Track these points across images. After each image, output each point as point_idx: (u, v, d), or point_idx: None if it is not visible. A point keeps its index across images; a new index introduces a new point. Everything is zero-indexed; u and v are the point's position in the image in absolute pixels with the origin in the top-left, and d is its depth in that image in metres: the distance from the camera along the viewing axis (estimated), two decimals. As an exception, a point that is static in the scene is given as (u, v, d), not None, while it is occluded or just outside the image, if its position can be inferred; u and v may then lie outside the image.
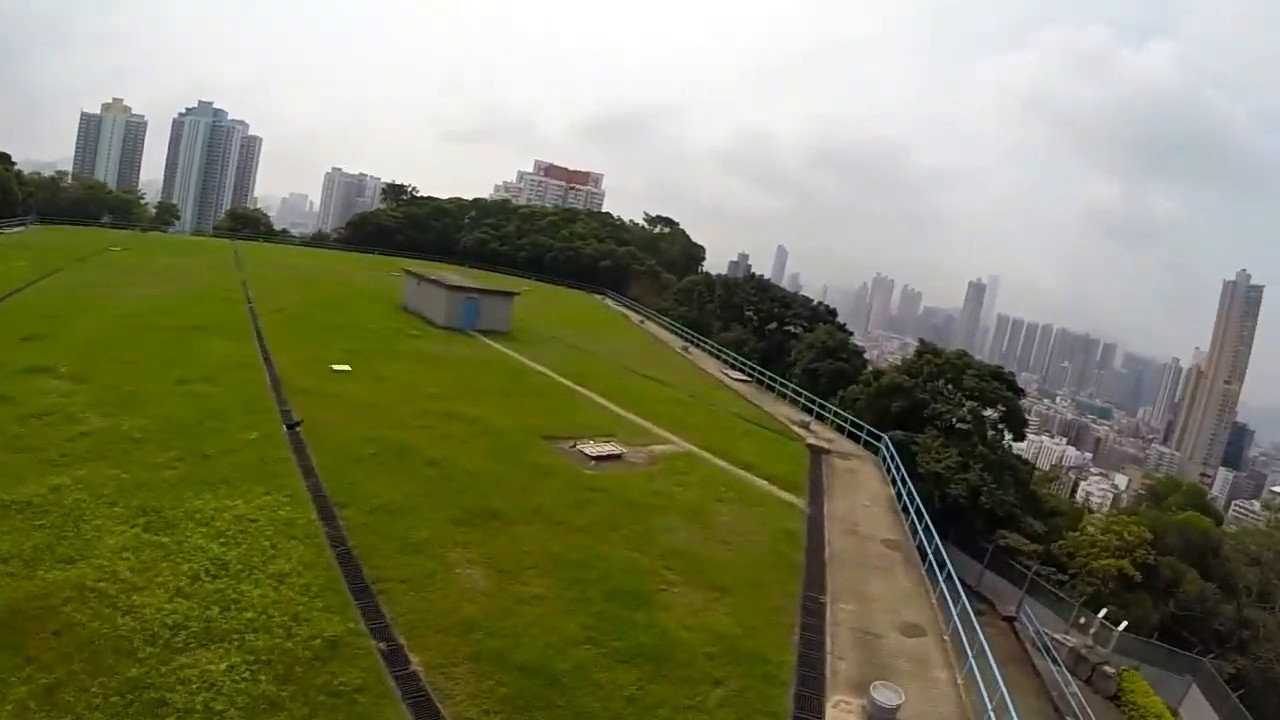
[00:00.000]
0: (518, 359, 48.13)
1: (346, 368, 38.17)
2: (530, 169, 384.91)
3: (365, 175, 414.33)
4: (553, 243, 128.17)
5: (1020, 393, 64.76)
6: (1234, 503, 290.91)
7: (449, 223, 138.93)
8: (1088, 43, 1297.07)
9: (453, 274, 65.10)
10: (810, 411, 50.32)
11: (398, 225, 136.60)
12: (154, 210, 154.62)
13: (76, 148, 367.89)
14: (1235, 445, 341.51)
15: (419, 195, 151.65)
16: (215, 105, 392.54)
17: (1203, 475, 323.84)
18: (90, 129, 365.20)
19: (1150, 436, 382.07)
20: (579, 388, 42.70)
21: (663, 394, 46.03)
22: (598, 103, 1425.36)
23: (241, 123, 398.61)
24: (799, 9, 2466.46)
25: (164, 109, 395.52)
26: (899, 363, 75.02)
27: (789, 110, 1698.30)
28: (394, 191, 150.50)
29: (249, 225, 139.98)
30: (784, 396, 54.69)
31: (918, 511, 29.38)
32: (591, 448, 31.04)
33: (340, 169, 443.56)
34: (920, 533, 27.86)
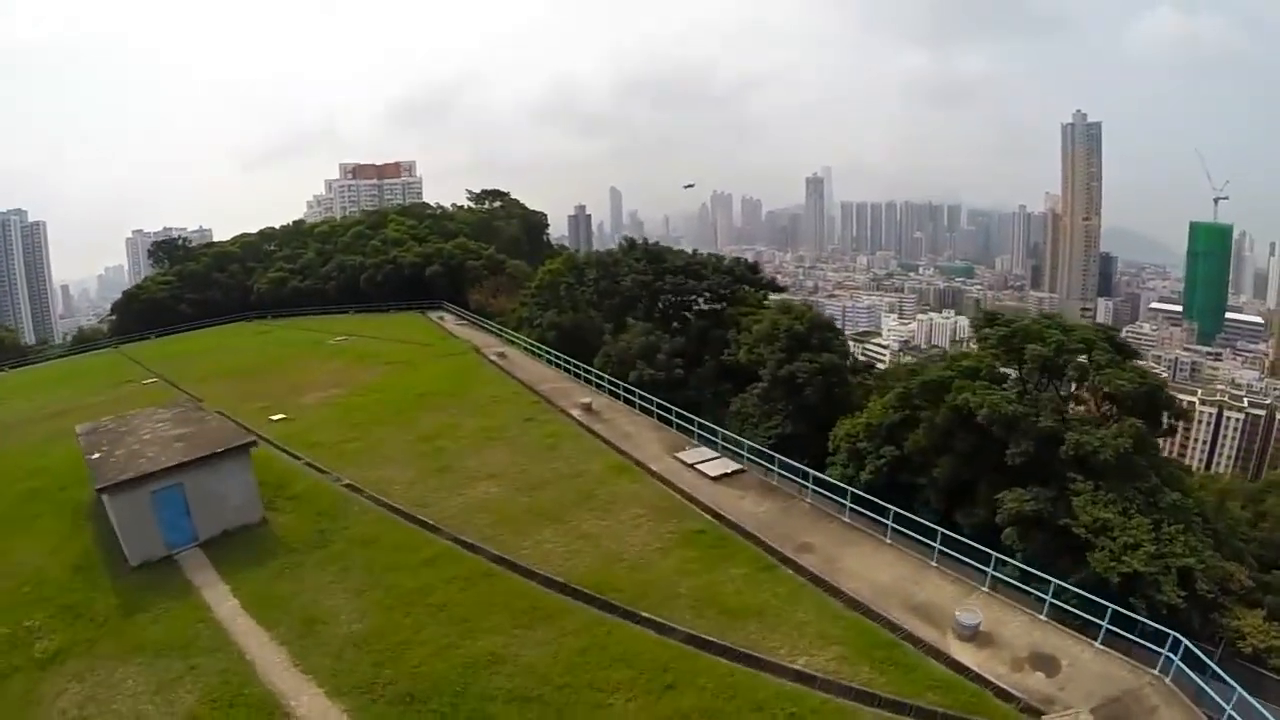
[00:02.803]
0: (256, 690, 18.84)
1: None
2: (337, 175, 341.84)
3: (170, 230, 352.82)
4: (363, 259, 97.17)
5: (1135, 355, 39.91)
6: (1125, 330, 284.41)
7: (237, 269, 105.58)
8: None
9: (158, 409, 34.63)
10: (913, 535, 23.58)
11: (173, 293, 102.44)
12: None
13: None
14: (1104, 275, 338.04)
15: (193, 245, 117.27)
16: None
17: (1083, 310, 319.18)
18: None
19: (1018, 284, 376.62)
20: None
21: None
22: (399, 87, 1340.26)
23: (18, 211, 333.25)
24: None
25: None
26: (951, 348, 47.78)
27: (591, 50, 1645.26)
28: (164, 251, 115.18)
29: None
30: (817, 498, 27.57)
31: None
32: None
33: (141, 230, 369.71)
34: None
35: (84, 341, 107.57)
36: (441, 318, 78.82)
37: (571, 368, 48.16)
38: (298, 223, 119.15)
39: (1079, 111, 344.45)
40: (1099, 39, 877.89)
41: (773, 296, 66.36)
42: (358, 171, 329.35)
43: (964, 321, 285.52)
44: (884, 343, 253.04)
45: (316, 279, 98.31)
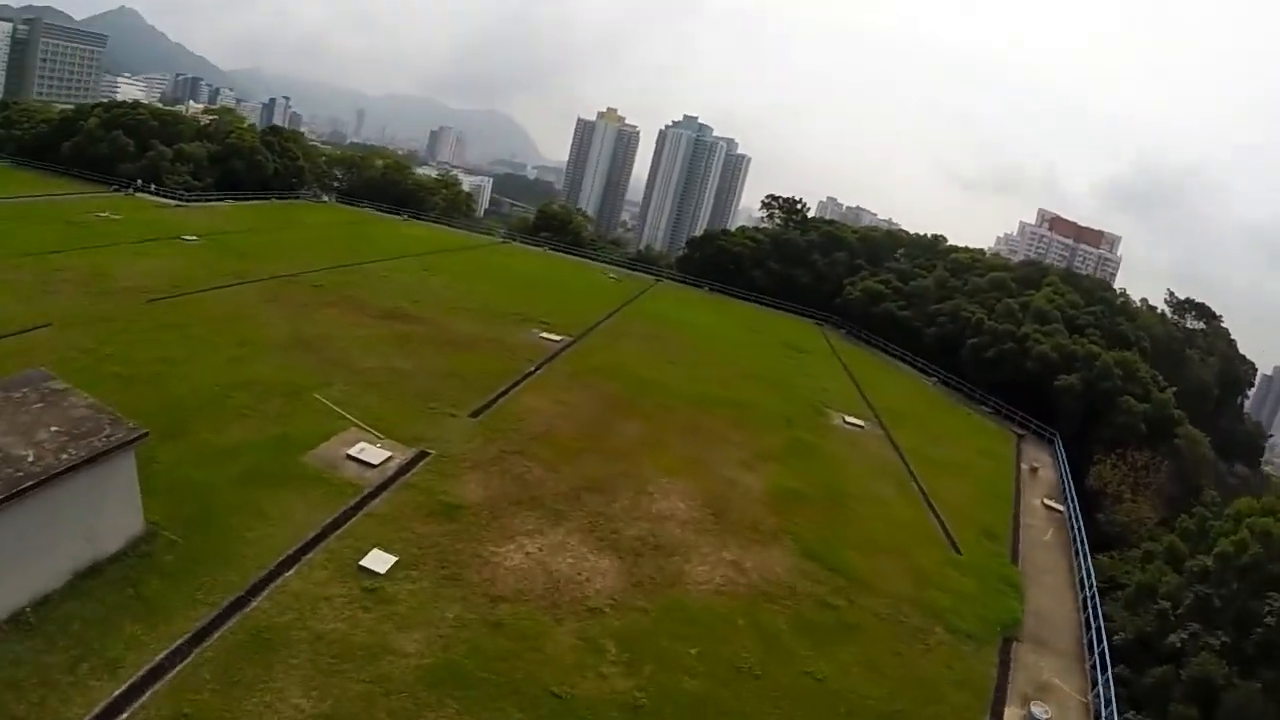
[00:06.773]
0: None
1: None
2: (1033, 220, 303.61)
3: (860, 209, 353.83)
4: (984, 317, 65.46)
5: None
6: None
7: (839, 259, 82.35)
8: None
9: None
10: None
11: (753, 254, 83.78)
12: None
13: (570, 152, 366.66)
14: None
15: (808, 215, 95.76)
16: (700, 120, 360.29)
17: None
18: (585, 135, 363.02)
19: None
20: None
21: None
22: (1125, 164, 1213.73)
23: (729, 140, 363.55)
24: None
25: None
26: None
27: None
28: (778, 204, 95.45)
29: (559, 230, 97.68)
30: None
31: None
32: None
33: (834, 198, 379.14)
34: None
35: (642, 261, 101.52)
36: (1034, 469, 44.94)
37: None
38: (937, 237, 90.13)
39: None
40: None
41: None
42: (1055, 224, 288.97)
43: None
44: None
45: (920, 316, 70.12)
